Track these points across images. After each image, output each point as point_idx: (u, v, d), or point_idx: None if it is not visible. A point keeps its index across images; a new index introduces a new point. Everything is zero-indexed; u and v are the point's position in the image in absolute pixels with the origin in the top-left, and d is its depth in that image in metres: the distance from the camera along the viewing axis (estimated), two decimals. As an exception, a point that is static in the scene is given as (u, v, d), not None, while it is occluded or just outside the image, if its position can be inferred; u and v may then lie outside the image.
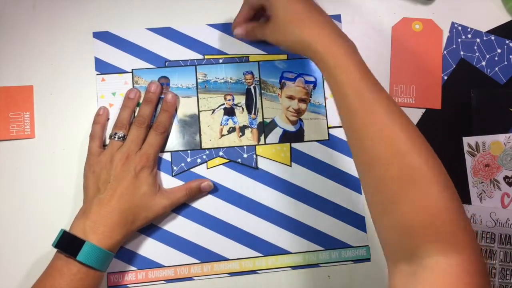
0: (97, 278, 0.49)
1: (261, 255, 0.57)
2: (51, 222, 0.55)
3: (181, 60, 0.60)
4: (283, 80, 0.60)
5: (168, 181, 0.57)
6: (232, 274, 0.56)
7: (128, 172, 0.51)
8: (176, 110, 0.58)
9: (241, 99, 0.59)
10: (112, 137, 0.54)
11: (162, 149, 0.57)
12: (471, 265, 0.35)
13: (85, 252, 0.47)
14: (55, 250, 0.50)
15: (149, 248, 0.56)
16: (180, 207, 0.57)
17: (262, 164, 0.58)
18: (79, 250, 0.47)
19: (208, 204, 0.57)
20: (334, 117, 0.60)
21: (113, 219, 0.50)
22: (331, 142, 0.59)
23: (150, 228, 0.56)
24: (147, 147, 0.54)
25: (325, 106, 0.60)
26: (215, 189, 0.58)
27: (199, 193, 0.56)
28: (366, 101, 0.40)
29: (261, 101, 0.60)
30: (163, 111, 0.56)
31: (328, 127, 0.59)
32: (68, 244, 0.48)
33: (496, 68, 0.61)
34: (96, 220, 0.49)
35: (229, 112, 0.59)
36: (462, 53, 0.62)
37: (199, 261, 0.56)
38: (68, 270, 0.47)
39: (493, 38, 0.62)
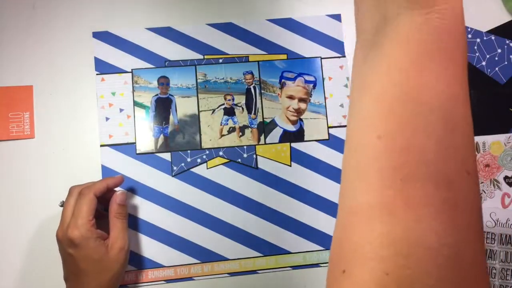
0: None
1: (261, 255, 0.57)
2: (51, 222, 0.55)
3: (181, 60, 0.60)
4: (283, 80, 0.60)
5: (168, 181, 0.57)
6: (232, 274, 0.56)
7: None
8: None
9: (241, 99, 0.59)
10: None
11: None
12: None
13: None
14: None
15: (149, 248, 0.56)
16: (180, 207, 0.57)
17: (262, 164, 0.58)
18: None
19: (208, 204, 0.57)
20: (334, 117, 0.60)
21: None
22: (331, 141, 0.59)
23: (150, 228, 0.56)
24: None
25: (325, 106, 0.60)
26: (215, 189, 0.58)
27: (122, 206, 0.53)
28: None
29: (261, 101, 0.60)
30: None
31: (328, 127, 0.59)
32: None
33: (496, 68, 0.61)
34: None
35: (229, 112, 0.59)
36: (462, 53, 0.61)
37: (199, 261, 0.56)
38: None
39: (493, 38, 0.62)
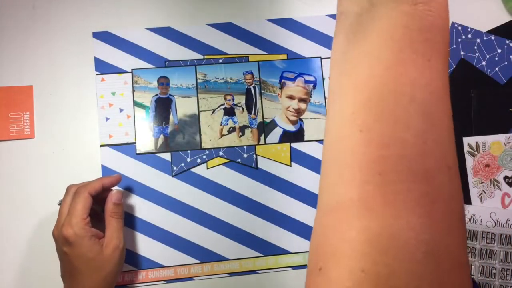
0: None
1: (261, 255, 0.57)
2: (51, 221, 0.55)
3: (181, 60, 0.60)
4: (283, 80, 0.60)
5: (168, 181, 0.57)
6: (232, 274, 0.56)
7: None
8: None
9: (241, 99, 0.59)
10: None
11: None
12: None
13: None
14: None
15: (149, 248, 0.56)
16: (180, 207, 0.57)
17: (262, 164, 0.58)
18: None
19: (208, 204, 0.57)
20: (334, 117, 0.60)
21: None
22: (331, 142, 0.59)
23: (150, 228, 0.56)
24: None
25: (325, 106, 0.60)
26: (215, 189, 0.58)
27: (119, 206, 0.52)
28: None
29: (261, 101, 0.60)
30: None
31: (328, 127, 0.59)
32: None
33: (496, 68, 0.61)
34: None
35: (229, 112, 0.59)
36: (462, 53, 0.62)
37: (199, 261, 0.56)
38: None
39: (493, 38, 0.62)
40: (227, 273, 0.56)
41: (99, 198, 0.52)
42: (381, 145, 0.23)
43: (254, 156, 0.58)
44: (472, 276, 0.58)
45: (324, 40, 0.61)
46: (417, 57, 0.24)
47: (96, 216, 0.52)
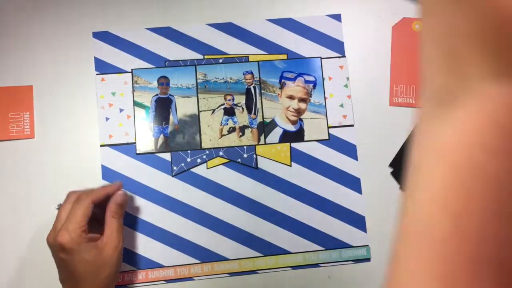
0: None
1: (261, 255, 0.57)
2: (51, 222, 0.55)
3: (181, 60, 0.60)
4: (283, 80, 0.60)
5: (168, 181, 0.57)
6: (232, 274, 0.56)
7: None
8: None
9: (241, 99, 0.59)
10: None
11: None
12: None
13: None
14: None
15: (149, 248, 0.56)
16: (180, 207, 0.57)
17: (262, 164, 0.58)
18: None
19: (208, 204, 0.57)
20: (334, 117, 0.60)
21: None
22: (331, 142, 0.59)
23: (150, 228, 0.56)
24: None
25: (325, 106, 0.60)
26: (215, 189, 0.58)
27: (121, 207, 0.52)
28: None
29: (261, 101, 0.60)
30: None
31: (328, 127, 0.59)
32: None
33: (496, 68, 0.61)
34: None
35: (229, 112, 0.59)
36: (462, 53, 0.61)
37: (199, 261, 0.56)
38: None
39: (493, 38, 0.62)
40: (227, 273, 0.56)
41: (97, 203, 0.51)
42: (478, 241, 0.20)
43: (254, 156, 0.58)
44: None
45: (324, 40, 0.61)
46: None
47: (92, 216, 0.52)
